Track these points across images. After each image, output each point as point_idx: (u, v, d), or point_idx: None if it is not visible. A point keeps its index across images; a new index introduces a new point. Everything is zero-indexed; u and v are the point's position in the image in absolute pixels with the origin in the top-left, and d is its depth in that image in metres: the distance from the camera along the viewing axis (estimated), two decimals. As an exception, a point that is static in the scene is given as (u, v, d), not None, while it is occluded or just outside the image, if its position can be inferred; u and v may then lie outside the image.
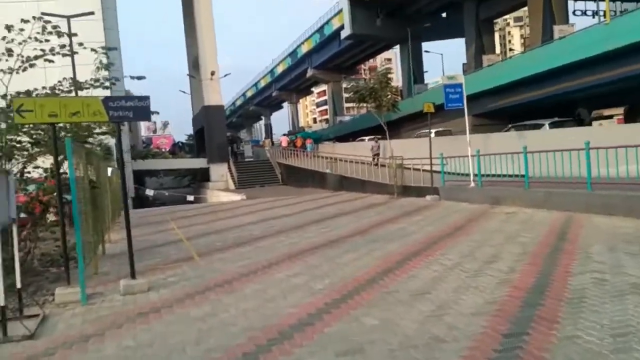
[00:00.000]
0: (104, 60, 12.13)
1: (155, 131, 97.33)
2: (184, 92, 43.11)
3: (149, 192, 29.84)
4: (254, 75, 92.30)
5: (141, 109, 7.19)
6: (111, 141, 25.38)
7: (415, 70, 46.85)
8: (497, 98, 28.69)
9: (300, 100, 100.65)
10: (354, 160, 23.04)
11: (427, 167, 16.42)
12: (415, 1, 42.97)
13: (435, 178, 15.91)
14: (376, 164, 21.79)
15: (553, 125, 20.15)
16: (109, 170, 13.65)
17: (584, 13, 36.28)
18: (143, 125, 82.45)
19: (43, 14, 13.04)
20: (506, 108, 28.45)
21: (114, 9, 32.01)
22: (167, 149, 59.36)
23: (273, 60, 77.58)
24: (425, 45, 48.54)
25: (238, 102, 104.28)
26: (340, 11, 47.24)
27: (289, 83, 75.63)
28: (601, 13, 34.62)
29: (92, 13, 21.17)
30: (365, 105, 28.11)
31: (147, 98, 7.24)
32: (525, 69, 26.45)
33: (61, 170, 7.88)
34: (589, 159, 10.36)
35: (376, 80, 24.21)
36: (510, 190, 12.78)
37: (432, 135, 25.72)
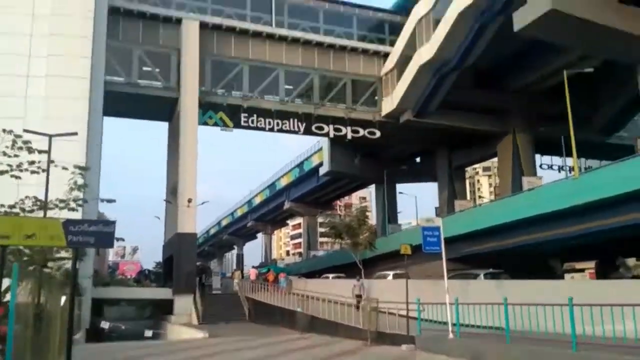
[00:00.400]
0: (79, 181, 11.84)
1: (123, 256, 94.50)
2: (158, 217, 42.60)
3: (104, 325, 27.72)
4: (230, 205, 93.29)
5: (104, 235, 6.72)
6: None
7: (389, 210, 47.85)
8: (470, 243, 28.88)
9: (275, 232, 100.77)
10: (327, 299, 22.10)
11: (403, 312, 15.72)
12: (390, 146, 45.39)
13: (412, 324, 15.13)
14: (358, 307, 20.12)
15: (488, 276, 20.86)
16: (63, 298, 12.57)
17: (550, 167, 38.71)
18: (111, 250, 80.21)
19: (25, 131, 12.95)
20: (480, 254, 28.54)
21: (100, 131, 32.69)
22: (133, 276, 57.12)
23: (251, 191, 79.21)
24: (400, 187, 50.28)
25: (212, 231, 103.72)
26: (320, 149, 49.41)
27: (265, 214, 76.27)
28: (566, 168, 37.00)
29: (75, 134, 21.31)
30: (339, 241, 27.98)
31: (112, 223, 6.81)
32: (497, 216, 27.05)
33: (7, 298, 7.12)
34: (573, 317, 9.93)
35: (354, 217, 24.35)
36: (490, 344, 12.07)
37: (390, 277, 25.64)
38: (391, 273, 26.19)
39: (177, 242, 33.31)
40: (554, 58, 31.90)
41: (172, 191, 36.47)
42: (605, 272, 26.14)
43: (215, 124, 35.70)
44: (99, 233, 6.66)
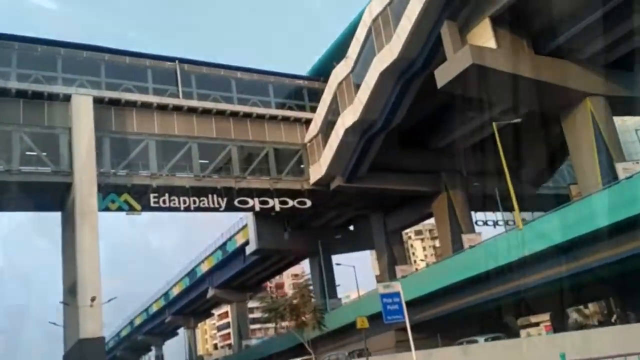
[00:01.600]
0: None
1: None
2: (54, 324, 37.65)
3: None
4: (144, 299, 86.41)
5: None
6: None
7: (327, 284, 46.24)
8: (419, 309, 27.90)
9: (199, 325, 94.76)
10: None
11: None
12: (321, 216, 44.65)
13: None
14: None
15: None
16: None
17: (485, 223, 39.60)
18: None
19: None
20: (431, 320, 27.65)
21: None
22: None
23: (168, 282, 74.28)
24: (335, 258, 49.07)
25: (123, 333, 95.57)
26: (244, 226, 47.45)
27: (186, 306, 71.54)
28: (502, 222, 37.97)
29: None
30: (279, 325, 25.95)
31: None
32: (443, 278, 26.52)
33: None
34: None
35: (296, 294, 22.62)
36: None
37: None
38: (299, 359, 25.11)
39: (79, 350, 29.27)
40: (476, 115, 33.31)
41: (70, 290, 32.55)
42: (560, 322, 26.12)
43: (120, 209, 32.55)
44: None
